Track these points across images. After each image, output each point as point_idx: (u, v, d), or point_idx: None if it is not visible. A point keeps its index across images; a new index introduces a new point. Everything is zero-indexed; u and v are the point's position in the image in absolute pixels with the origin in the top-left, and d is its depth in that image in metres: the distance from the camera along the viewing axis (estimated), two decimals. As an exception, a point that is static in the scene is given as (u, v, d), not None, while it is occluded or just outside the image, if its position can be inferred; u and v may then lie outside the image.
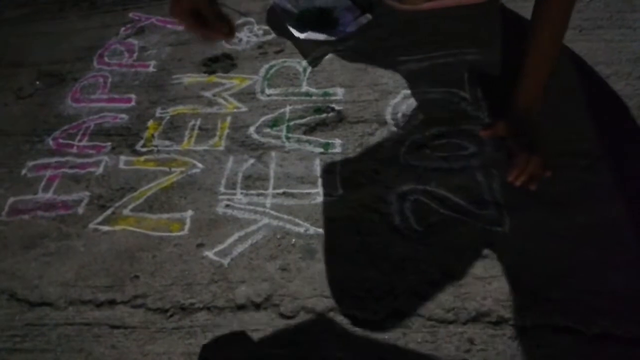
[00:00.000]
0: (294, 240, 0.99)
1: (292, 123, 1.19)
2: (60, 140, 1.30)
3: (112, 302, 0.96)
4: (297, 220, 1.01)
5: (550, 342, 0.78)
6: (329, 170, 1.08)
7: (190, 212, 1.08)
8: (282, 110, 1.22)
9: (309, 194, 1.05)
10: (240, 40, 1.44)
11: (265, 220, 1.03)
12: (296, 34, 1.35)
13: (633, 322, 0.78)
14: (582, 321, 0.79)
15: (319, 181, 1.07)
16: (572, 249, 0.87)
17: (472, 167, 1.01)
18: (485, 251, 0.89)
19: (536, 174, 0.93)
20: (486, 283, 0.86)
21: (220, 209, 1.07)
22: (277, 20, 1.45)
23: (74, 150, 1.26)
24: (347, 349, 0.82)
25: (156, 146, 1.22)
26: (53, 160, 1.25)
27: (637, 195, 0.92)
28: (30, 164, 1.26)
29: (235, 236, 1.01)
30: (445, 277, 0.88)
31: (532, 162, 0.93)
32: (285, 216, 1.02)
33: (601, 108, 1.05)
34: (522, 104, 0.99)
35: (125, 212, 1.11)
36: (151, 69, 1.43)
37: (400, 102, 1.17)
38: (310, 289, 0.90)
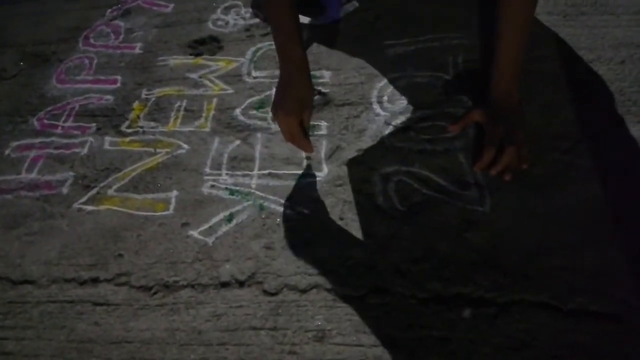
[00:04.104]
0: (278, 220, 0.99)
1: (278, 105, 1.19)
2: (45, 121, 1.29)
3: (95, 280, 0.96)
4: (281, 200, 1.02)
5: (527, 318, 0.80)
6: (314, 152, 1.08)
7: (175, 192, 1.08)
8: (268, 92, 1.22)
9: (294, 174, 1.06)
10: (227, 22, 1.43)
11: (251, 201, 1.03)
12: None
13: (608, 298, 0.80)
14: (559, 297, 0.81)
15: (304, 162, 1.07)
16: (550, 228, 0.89)
17: (455, 149, 1.02)
18: (466, 230, 0.91)
19: (511, 165, 0.94)
20: (467, 261, 0.87)
21: (205, 189, 1.07)
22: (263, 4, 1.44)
23: (59, 130, 1.26)
24: (330, 322, 0.83)
25: (141, 127, 1.22)
26: (37, 140, 1.25)
27: (615, 177, 0.93)
28: (14, 144, 1.25)
29: (220, 216, 1.02)
30: (428, 255, 0.89)
31: (507, 152, 0.94)
32: (271, 196, 1.03)
33: (583, 92, 1.07)
34: (499, 88, 0.99)
35: (110, 192, 1.10)
36: (137, 51, 1.43)
37: (386, 85, 1.17)
38: (294, 267, 0.91)
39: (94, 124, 1.25)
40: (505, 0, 0.93)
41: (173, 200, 1.06)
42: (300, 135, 0.95)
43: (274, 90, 1.22)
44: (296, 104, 0.92)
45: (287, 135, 0.96)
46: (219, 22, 1.45)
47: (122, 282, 0.95)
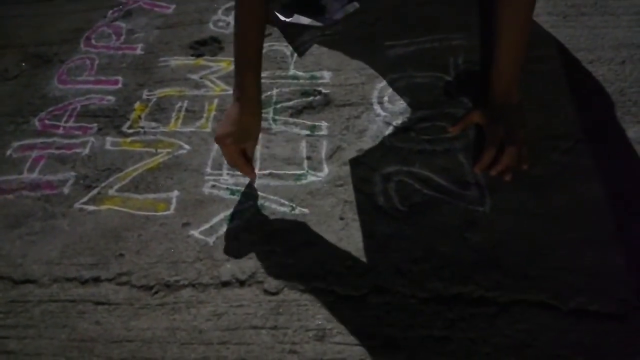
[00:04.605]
0: (279, 219, 0.99)
1: (279, 105, 1.20)
2: (46, 121, 1.29)
3: (96, 280, 0.96)
4: (282, 200, 1.02)
5: (527, 318, 0.80)
6: (314, 152, 1.09)
7: (176, 192, 1.08)
8: (269, 92, 1.22)
9: (294, 175, 1.06)
10: (228, 23, 1.44)
11: (251, 201, 1.03)
12: (282, 18, 1.35)
13: (608, 298, 0.80)
14: (559, 297, 0.81)
15: (305, 163, 1.08)
16: (550, 228, 0.89)
17: (455, 149, 1.03)
18: (467, 230, 0.91)
19: (512, 165, 0.94)
20: (467, 261, 0.87)
21: (206, 190, 1.07)
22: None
23: (60, 131, 1.26)
24: (330, 321, 0.83)
25: (143, 127, 1.22)
26: (39, 141, 1.25)
27: (616, 177, 0.93)
28: (16, 144, 1.25)
29: (221, 216, 1.02)
30: (428, 255, 0.89)
31: (507, 153, 0.94)
32: (271, 196, 1.03)
33: (583, 93, 1.07)
34: (499, 89, 1.00)
35: (111, 192, 1.11)
36: (138, 52, 1.43)
37: (387, 85, 1.18)
38: (294, 267, 0.91)
39: (95, 125, 1.25)
40: (504, 0, 0.94)
41: (174, 200, 1.07)
42: (242, 162, 0.97)
43: (274, 91, 1.23)
44: (239, 135, 0.94)
45: (228, 161, 0.99)
46: (220, 23, 1.45)
47: (123, 282, 0.95)
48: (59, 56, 1.47)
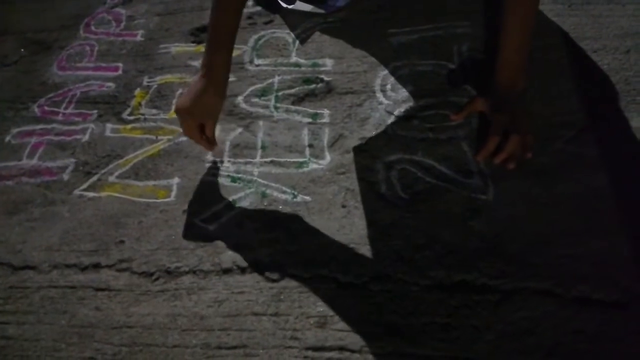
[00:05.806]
0: (280, 207, 0.99)
1: (280, 93, 1.18)
2: (46, 108, 1.28)
3: (96, 266, 0.96)
4: (284, 188, 1.01)
5: (530, 306, 0.79)
6: (316, 140, 1.08)
7: (177, 180, 1.07)
8: (270, 80, 1.21)
9: (296, 162, 1.05)
10: (230, 10, 1.42)
11: (253, 188, 1.02)
12: (284, 4, 1.34)
13: (612, 287, 0.79)
14: (562, 285, 0.80)
15: (307, 150, 1.07)
16: (554, 216, 0.88)
17: (458, 137, 1.02)
18: (470, 218, 0.90)
19: (515, 154, 0.94)
20: (470, 248, 0.87)
21: (207, 177, 1.06)
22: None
23: (60, 117, 1.25)
24: (332, 308, 0.83)
25: (143, 114, 1.21)
26: (38, 127, 1.24)
27: (620, 166, 0.93)
28: (15, 130, 1.24)
29: (222, 203, 1.01)
30: (431, 243, 0.88)
31: (511, 141, 0.93)
32: (273, 184, 1.02)
33: (588, 82, 1.06)
34: (504, 77, 0.99)
35: (111, 178, 1.10)
36: (139, 38, 1.42)
37: (389, 73, 1.16)
38: (295, 254, 0.91)
39: (95, 111, 1.24)
40: None
41: (175, 187, 1.06)
42: (198, 137, 0.98)
43: (276, 78, 1.21)
44: (199, 111, 0.95)
45: (185, 132, 0.99)
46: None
47: (123, 268, 0.94)
48: (59, 42, 1.46)
